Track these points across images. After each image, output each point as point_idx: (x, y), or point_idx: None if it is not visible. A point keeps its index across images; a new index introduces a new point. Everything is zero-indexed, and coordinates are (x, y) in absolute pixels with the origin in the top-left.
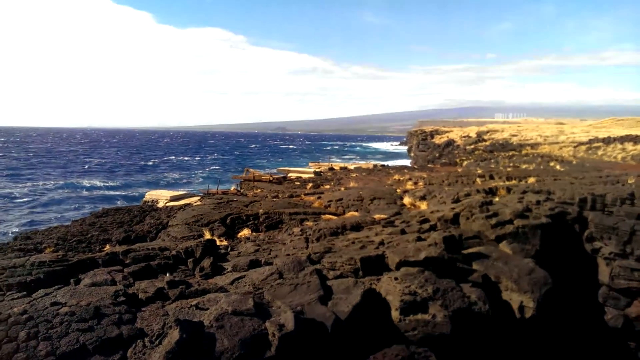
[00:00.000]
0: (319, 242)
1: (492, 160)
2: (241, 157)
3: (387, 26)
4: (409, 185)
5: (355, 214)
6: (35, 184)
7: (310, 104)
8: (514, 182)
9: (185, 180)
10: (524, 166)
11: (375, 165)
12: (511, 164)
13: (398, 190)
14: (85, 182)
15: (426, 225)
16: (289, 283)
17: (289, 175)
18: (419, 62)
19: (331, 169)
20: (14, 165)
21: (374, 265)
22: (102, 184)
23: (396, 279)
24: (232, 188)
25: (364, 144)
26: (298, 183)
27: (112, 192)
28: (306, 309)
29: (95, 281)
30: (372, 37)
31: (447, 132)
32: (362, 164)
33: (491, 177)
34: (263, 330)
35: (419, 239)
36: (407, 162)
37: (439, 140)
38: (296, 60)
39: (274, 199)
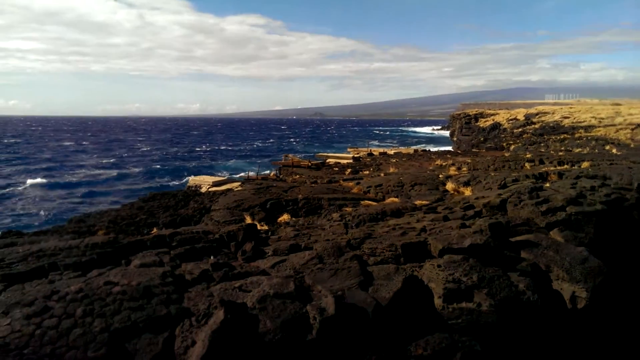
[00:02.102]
0: (359, 227)
1: (542, 144)
2: (279, 143)
3: (429, 4)
4: (452, 171)
5: (396, 200)
6: (89, 170)
7: (348, 89)
8: (566, 167)
9: (226, 166)
10: (577, 150)
11: (416, 150)
12: (563, 148)
13: (440, 176)
14: (133, 168)
15: (471, 212)
16: (329, 268)
17: (327, 160)
18: (462, 41)
19: (370, 154)
20: (64, 153)
21: (416, 252)
22: (146, 169)
23: (439, 266)
24: (272, 173)
25: (404, 129)
26: (337, 169)
27: (157, 177)
28: (347, 294)
29: (144, 262)
30: (413, 17)
31: (492, 115)
32: (402, 149)
33: (541, 162)
34: (304, 313)
35: (463, 225)
36: (449, 147)
37: (483, 123)
38: (334, 44)
39: (313, 185)
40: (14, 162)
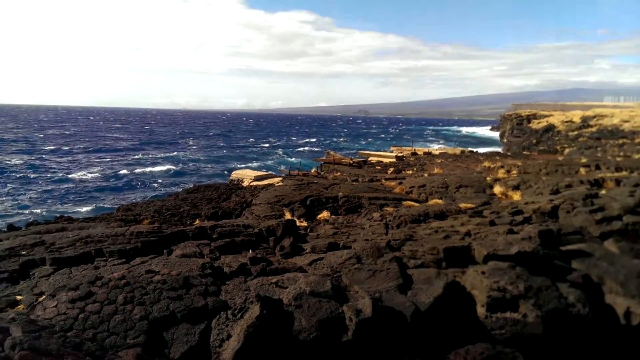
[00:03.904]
0: (399, 228)
1: (599, 149)
2: (322, 139)
3: (481, 1)
4: (501, 174)
5: (439, 201)
6: (140, 160)
7: (394, 86)
8: (624, 173)
9: (267, 161)
10: (636, 156)
11: (462, 151)
12: (621, 153)
13: (488, 179)
14: (181, 160)
15: (519, 217)
16: (367, 269)
17: (369, 159)
18: (516, 39)
19: (414, 153)
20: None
21: (459, 257)
22: (195, 162)
23: (483, 273)
24: (313, 170)
25: (451, 128)
26: (379, 167)
27: (200, 169)
28: (384, 296)
29: (185, 253)
30: (464, 13)
31: (546, 116)
32: (448, 149)
33: (597, 167)
34: (340, 313)
35: (511, 231)
36: (498, 149)
37: (536, 125)
38: (381, 41)
39: (354, 183)
40: (69, 151)
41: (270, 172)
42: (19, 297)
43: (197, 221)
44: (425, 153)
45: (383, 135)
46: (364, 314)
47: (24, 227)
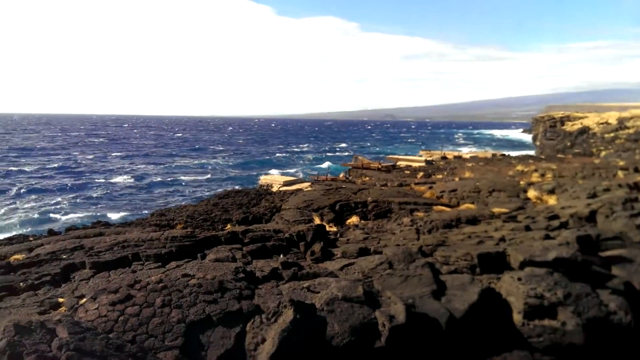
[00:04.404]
0: (431, 234)
1: (637, 151)
2: (349, 144)
3: (512, 1)
4: (535, 177)
5: (471, 206)
6: (172, 167)
7: (422, 90)
8: None
9: (296, 166)
10: None
11: (494, 155)
12: None
13: (521, 183)
14: (211, 165)
15: (555, 222)
16: (399, 274)
17: (398, 163)
18: (548, 40)
19: (444, 157)
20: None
21: (493, 263)
22: (225, 168)
23: (519, 279)
24: (341, 175)
25: (481, 131)
26: (408, 172)
27: (230, 175)
28: (418, 302)
29: (219, 257)
30: (494, 15)
31: (581, 118)
32: (479, 152)
33: (636, 170)
34: (373, 319)
35: (547, 237)
36: (531, 152)
37: (570, 127)
38: (409, 45)
39: (383, 187)
40: (106, 157)
41: (298, 177)
42: (61, 300)
43: (229, 226)
44: (455, 157)
45: (411, 140)
46: (397, 320)
47: (63, 232)
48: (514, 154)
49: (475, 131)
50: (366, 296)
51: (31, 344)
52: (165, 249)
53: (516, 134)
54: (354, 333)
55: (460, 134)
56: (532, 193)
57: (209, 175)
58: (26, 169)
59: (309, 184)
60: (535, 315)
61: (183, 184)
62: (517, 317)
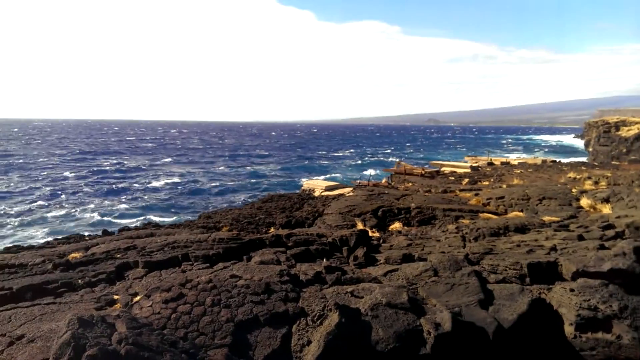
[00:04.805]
0: (477, 241)
1: None
2: (391, 149)
3: (561, 3)
4: (588, 185)
5: (520, 214)
6: (216, 171)
7: (466, 94)
8: None
9: (337, 171)
10: None
11: (544, 161)
12: None
13: (573, 190)
14: (255, 170)
15: (611, 232)
16: (445, 282)
17: (442, 169)
18: (600, 41)
19: (490, 163)
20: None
21: (544, 273)
22: (268, 173)
23: (572, 290)
24: (383, 180)
25: (530, 137)
26: (452, 178)
27: (275, 180)
28: (464, 311)
29: (264, 259)
30: (543, 16)
31: (637, 123)
32: (528, 159)
33: None
34: (418, 326)
35: (601, 247)
36: (583, 158)
37: (626, 132)
38: (454, 48)
39: (426, 194)
40: (155, 161)
41: (340, 183)
42: (116, 297)
43: (272, 229)
44: (502, 163)
45: (458, 145)
46: (443, 328)
47: (116, 233)
48: (565, 160)
49: (524, 136)
50: (411, 303)
51: (93, 337)
52: (212, 250)
53: (567, 140)
54: (398, 339)
55: (508, 139)
56: (585, 201)
57: (252, 180)
58: (82, 172)
59: (351, 189)
60: (588, 327)
61: (227, 187)
62: (569, 329)
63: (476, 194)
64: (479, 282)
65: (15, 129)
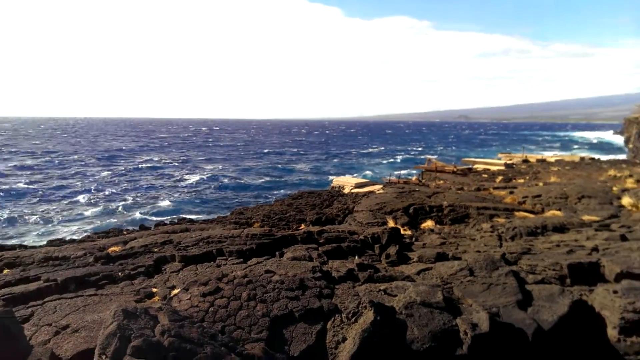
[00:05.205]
0: (514, 241)
1: None
2: (421, 146)
3: None
4: (630, 183)
5: (558, 213)
6: (244, 168)
7: (498, 89)
8: None
9: (367, 168)
10: None
11: (582, 158)
12: None
13: (614, 189)
14: (284, 167)
15: None
16: (481, 282)
17: (475, 166)
18: (637, 34)
19: (525, 161)
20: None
21: (585, 274)
22: (297, 169)
23: (615, 292)
24: (414, 178)
25: (567, 133)
26: (486, 175)
27: (305, 177)
28: (502, 311)
29: (296, 256)
30: (579, 9)
31: None
32: (565, 156)
33: None
34: (454, 326)
35: None
36: (623, 156)
37: None
38: (485, 42)
39: (459, 191)
40: (188, 158)
41: (370, 180)
42: (154, 289)
43: (303, 226)
44: (538, 160)
45: (488, 141)
46: (480, 328)
47: (153, 227)
48: (604, 157)
49: (561, 133)
50: (446, 302)
51: (137, 329)
52: (246, 245)
53: (608, 136)
54: (434, 339)
55: (544, 136)
56: (626, 200)
57: (282, 177)
58: (119, 169)
59: (381, 186)
60: (633, 331)
61: (258, 184)
62: (612, 333)
63: (511, 192)
64: (517, 282)
65: (52, 126)
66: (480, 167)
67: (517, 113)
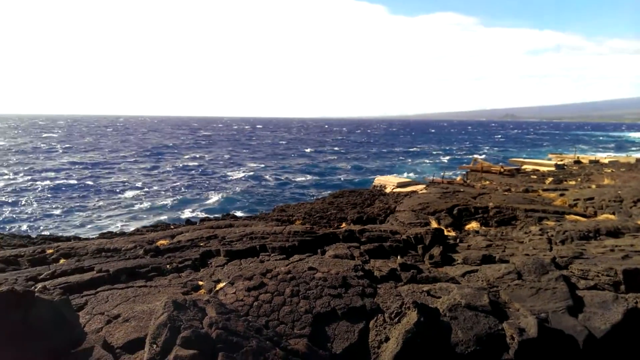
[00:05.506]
0: (565, 245)
1: None
2: (467, 146)
3: None
4: None
5: (612, 217)
6: (285, 166)
7: (548, 87)
8: None
9: (410, 168)
10: None
11: (638, 160)
12: None
13: None
14: (326, 165)
15: None
16: (530, 286)
17: (523, 167)
18: None
19: (577, 162)
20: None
21: None
22: (339, 168)
23: None
24: (458, 178)
25: (622, 134)
26: (534, 177)
27: (346, 175)
28: (551, 317)
29: (338, 254)
30: (635, 3)
31: None
32: (620, 157)
33: None
34: (500, 330)
35: None
36: None
37: None
38: (535, 38)
39: (506, 193)
40: (229, 155)
41: (413, 179)
42: (200, 283)
43: (344, 224)
44: (591, 161)
45: (537, 142)
46: (528, 333)
47: (198, 222)
48: None
49: (615, 133)
50: (492, 306)
51: (187, 320)
52: (288, 242)
53: None
54: (479, 343)
55: (597, 136)
56: None
57: (324, 175)
58: (167, 164)
59: (424, 186)
60: None
61: (299, 182)
62: None
63: (561, 194)
64: (567, 287)
65: (104, 124)
66: (528, 167)
67: (568, 112)
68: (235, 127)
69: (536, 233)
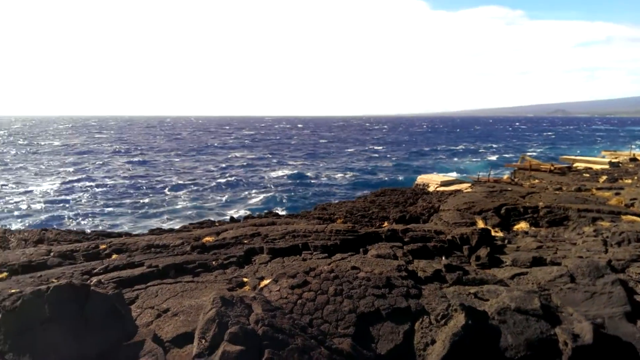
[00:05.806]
0: (621, 247)
1: None
2: (514, 143)
3: None
4: None
5: None
6: (325, 164)
7: (600, 81)
8: None
9: (454, 166)
10: None
11: None
12: None
13: None
14: (367, 163)
15: None
16: (584, 290)
17: (574, 165)
18: None
19: (633, 159)
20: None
21: None
22: (380, 166)
23: None
24: (505, 176)
25: None
26: (587, 175)
27: (388, 174)
28: (607, 323)
29: (380, 253)
30: None
31: None
32: None
33: None
34: (552, 335)
35: None
36: None
37: None
38: (585, 30)
39: (557, 192)
40: (269, 155)
41: (457, 178)
42: (245, 279)
43: (386, 223)
44: None
45: (590, 138)
46: (582, 339)
47: (242, 220)
48: None
49: None
50: (543, 310)
51: (234, 316)
52: (330, 241)
53: None
54: (530, 348)
55: None
56: None
57: (365, 174)
58: (209, 166)
59: (469, 185)
60: None
61: (341, 180)
62: None
63: (617, 194)
64: (625, 292)
65: (151, 123)
66: (580, 165)
67: (623, 107)
68: (277, 126)
69: (590, 234)
